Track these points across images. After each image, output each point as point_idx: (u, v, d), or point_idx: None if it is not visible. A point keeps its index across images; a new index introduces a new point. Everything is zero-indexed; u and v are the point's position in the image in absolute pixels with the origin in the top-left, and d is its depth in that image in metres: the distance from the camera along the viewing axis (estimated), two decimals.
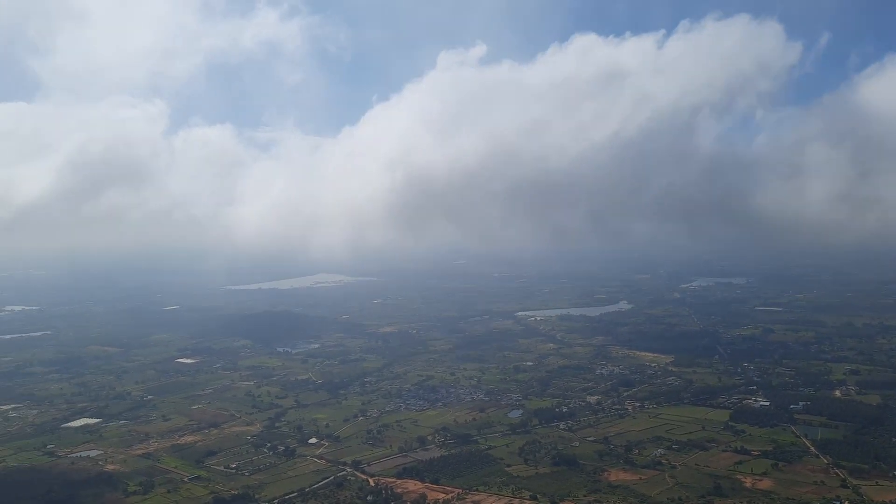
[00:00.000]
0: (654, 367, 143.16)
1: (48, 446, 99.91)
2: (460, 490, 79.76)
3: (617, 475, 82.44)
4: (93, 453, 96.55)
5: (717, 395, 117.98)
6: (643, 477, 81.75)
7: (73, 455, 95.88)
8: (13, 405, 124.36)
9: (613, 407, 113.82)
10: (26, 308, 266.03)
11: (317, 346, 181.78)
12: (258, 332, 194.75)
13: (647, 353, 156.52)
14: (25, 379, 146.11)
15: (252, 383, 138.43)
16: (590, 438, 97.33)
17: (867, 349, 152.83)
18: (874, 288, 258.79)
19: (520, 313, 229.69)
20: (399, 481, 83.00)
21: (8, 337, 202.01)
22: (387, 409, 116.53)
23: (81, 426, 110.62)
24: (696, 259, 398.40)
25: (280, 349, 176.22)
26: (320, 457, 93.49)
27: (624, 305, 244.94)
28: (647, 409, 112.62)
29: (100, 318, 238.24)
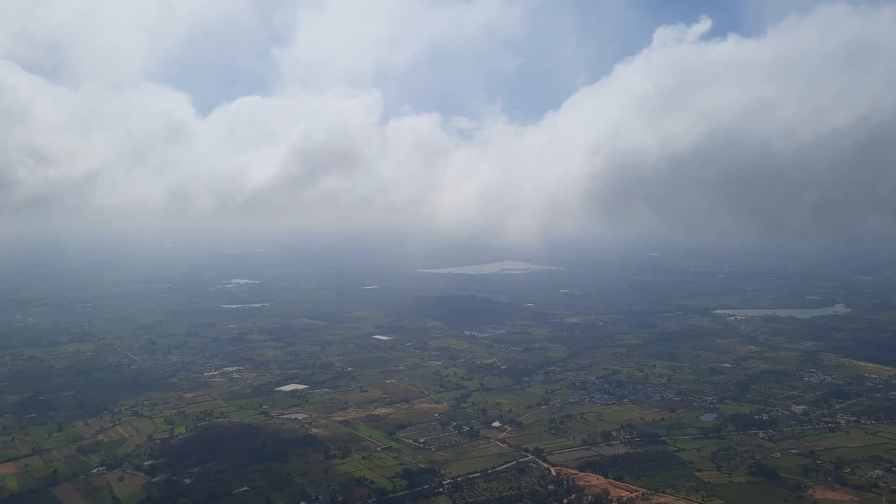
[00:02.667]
0: (875, 378, 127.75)
1: (263, 406, 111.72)
2: (645, 490, 77.16)
3: (824, 494, 74.96)
4: (300, 416, 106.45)
5: None
6: (856, 499, 73.48)
7: (284, 416, 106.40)
8: (237, 367, 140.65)
9: (823, 419, 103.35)
10: (249, 282, 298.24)
11: (502, 331, 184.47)
12: (447, 315, 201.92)
13: (867, 363, 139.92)
14: (247, 345, 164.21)
15: (440, 363, 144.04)
16: (793, 451, 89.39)
17: None
18: None
19: (718, 311, 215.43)
20: (581, 474, 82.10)
21: (234, 307, 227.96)
22: (570, 400, 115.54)
23: (291, 391, 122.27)
24: None
25: (467, 332, 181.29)
26: (503, 440, 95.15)
27: (841, 308, 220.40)
28: (864, 424, 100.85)
29: (310, 293, 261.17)
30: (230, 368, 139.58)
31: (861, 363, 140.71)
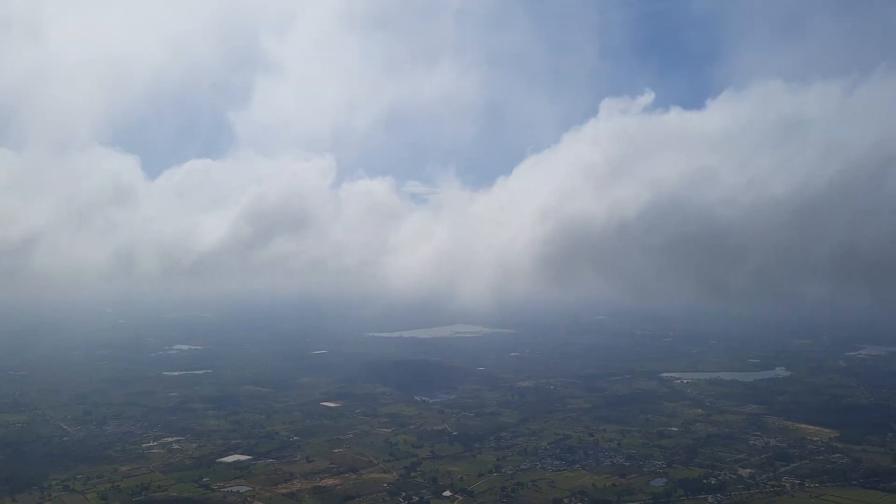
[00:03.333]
0: (817, 441, 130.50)
1: (203, 479, 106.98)
2: None
3: None
4: (242, 489, 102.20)
5: (892, 478, 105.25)
6: None
7: (225, 489, 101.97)
8: (176, 437, 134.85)
9: (769, 482, 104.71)
10: (192, 348, 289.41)
11: (453, 396, 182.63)
12: (398, 380, 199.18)
13: (809, 426, 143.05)
14: (187, 414, 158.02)
15: (390, 431, 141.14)
16: None
17: None
18: None
19: (665, 374, 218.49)
20: None
21: (175, 374, 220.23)
22: (522, 467, 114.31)
23: (233, 462, 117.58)
24: (865, 324, 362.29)
25: (418, 398, 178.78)
26: None
27: (781, 372, 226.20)
28: (808, 487, 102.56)
29: (256, 359, 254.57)
30: (169, 439, 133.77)
31: (803, 426, 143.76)
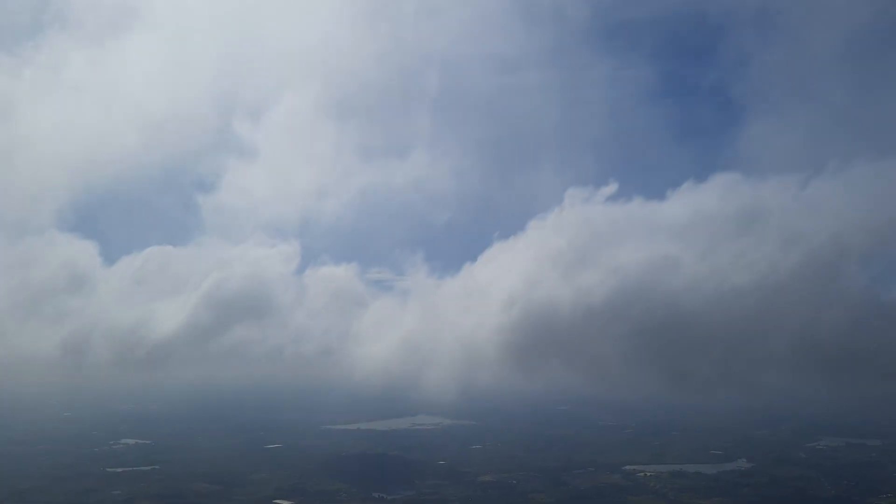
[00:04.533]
0: None
1: None
2: None
3: None
4: None
5: None
6: None
7: None
8: None
9: None
10: (140, 441, 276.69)
11: (412, 492, 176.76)
12: (355, 475, 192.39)
13: None
14: None
15: None
16: None
17: None
18: None
19: (627, 467, 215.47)
20: None
21: (120, 470, 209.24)
22: None
23: None
24: (824, 415, 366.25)
25: (375, 494, 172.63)
26: None
27: (743, 464, 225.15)
28: None
29: (207, 454, 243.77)
30: None
31: None
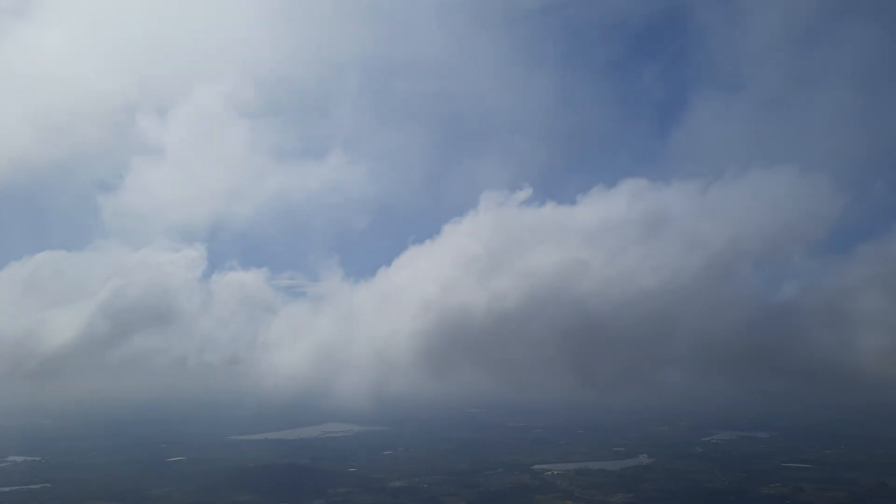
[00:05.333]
0: None
1: None
2: None
3: None
4: None
5: None
6: None
7: None
8: None
9: None
10: (28, 459, 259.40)
11: (322, 501, 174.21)
12: (262, 487, 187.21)
13: None
14: None
15: None
16: None
17: None
18: None
19: (536, 466, 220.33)
20: None
21: (6, 489, 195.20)
22: None
23: None
24: (719, 410, 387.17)
25: None
26: None
27: (644, 459, 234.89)
28: None
29: (103, 470, 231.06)
30: None
31: None
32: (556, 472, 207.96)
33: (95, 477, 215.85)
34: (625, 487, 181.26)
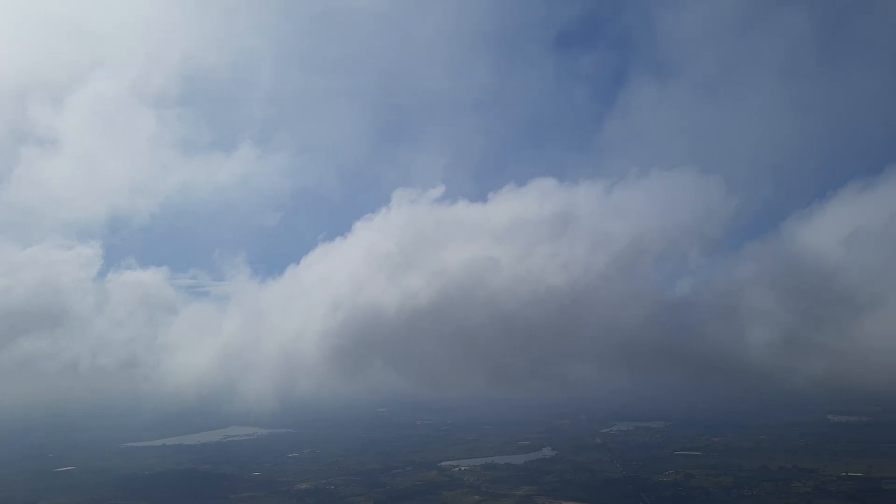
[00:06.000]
0: None
1: None
2: None
3: None
4: None
5: None
6: None
7: None
8: None
9: None
10: None
11: None
12: (160, 495, 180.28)
13: (573, 503, 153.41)
14: None
15: None
16: None
17: (784, 492, 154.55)
18: (785, 430, 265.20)
19: (444, 463, 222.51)
20: None
21: None
22: None
23: None
24: (618, 402, 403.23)
25: None
26: None
27: (548, 452, 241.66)
28: None
29: None
30: None
31: (570, 503, 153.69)
32: (463, 468, 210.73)
33: None
34: (529, 480, 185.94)
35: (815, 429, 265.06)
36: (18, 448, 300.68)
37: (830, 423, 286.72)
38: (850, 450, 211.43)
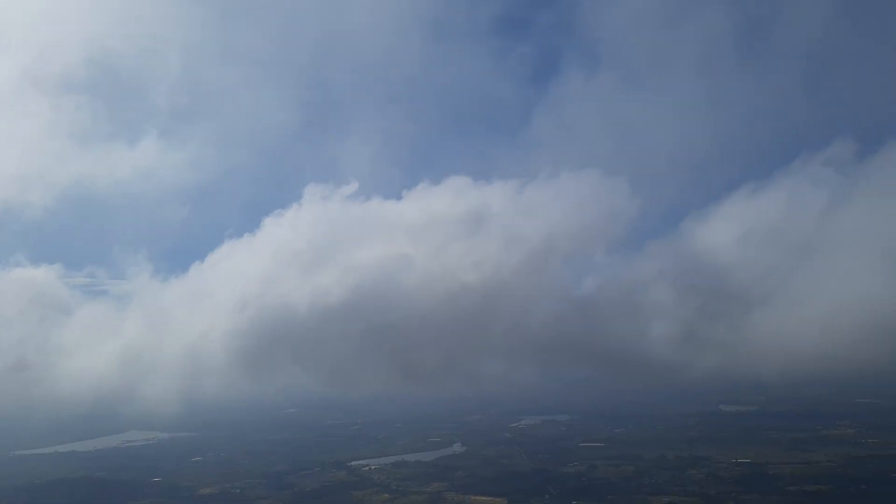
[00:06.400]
0: None
1: None
2: None
3: None
4: None
5: None
6: None
7: None
8: None
9: None
10: None
11: None
12: None
13: (483, 497, 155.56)
14: None
15: None
16: None
17: (680, 480, 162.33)
18: (682, 421, 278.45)
19: (353, 463, 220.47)
20: None
21: None
22: None
23: None
24: (528, 397, 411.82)
25: None
26: None
27: (458, 448, 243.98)
28: None
29: None
30: None
31: (479, 498, 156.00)
32: (373, 467, 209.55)
33: None
34: (439, 476, 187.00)
35: (709, 419, 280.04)
36: None
37: (722, 412, 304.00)
38: (740, 437, 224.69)
